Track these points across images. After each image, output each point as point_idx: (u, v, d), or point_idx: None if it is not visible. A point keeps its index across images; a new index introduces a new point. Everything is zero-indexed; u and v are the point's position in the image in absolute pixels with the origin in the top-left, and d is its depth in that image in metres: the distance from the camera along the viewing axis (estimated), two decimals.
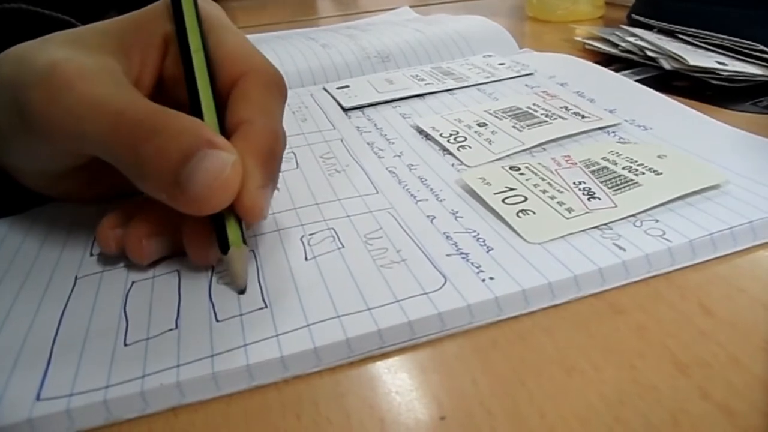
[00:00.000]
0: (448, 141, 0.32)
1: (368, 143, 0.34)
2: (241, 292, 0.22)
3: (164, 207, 0.21)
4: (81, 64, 0.22)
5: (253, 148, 0.22)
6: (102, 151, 0.21)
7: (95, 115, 0.21)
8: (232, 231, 0.22)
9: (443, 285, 0.21)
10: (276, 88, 0.25)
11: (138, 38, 0.25)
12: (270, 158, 0.23)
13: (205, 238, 0.22)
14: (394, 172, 0.30)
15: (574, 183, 0.27)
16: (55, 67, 0.21)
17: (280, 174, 0.30)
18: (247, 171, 0.21)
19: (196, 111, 0.23)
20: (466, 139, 0.33)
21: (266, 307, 0.21)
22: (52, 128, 0.21)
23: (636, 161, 0.28)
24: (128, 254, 0.23)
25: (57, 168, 0.25)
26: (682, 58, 0.40)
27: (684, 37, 0.45)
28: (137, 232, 0.23)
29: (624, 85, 0.39)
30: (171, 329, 0.20)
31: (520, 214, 0.25)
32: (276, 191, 0.25)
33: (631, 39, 0.46)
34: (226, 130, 0.23)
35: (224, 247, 0.21)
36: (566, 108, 0.35)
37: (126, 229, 0.23)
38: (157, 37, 0.25)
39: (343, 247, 0.24)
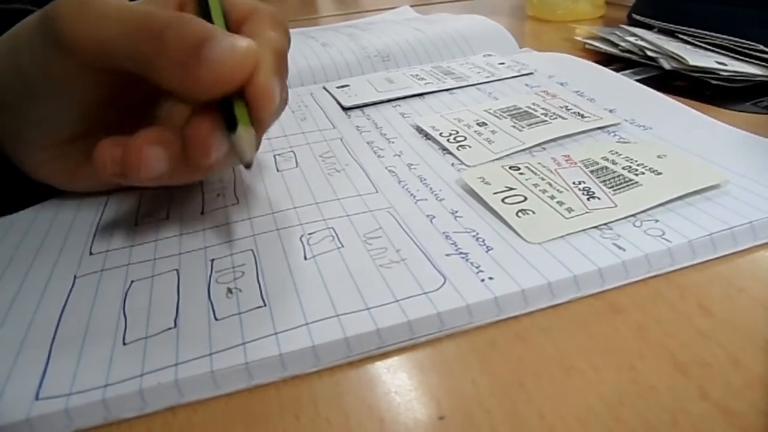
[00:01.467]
0: (448, 140, 0.32)
1: (368, 142, 0.34)
2: (248, 166, 0.23)
3: (166, 127, 0.23)
4: None
5: (264, 44, 0.24)
6: (127, 52, 0.22)
7: (121, 18, 0.22)
8: (240, 111, 0.23)
9: (442, 285, 0.21)
10: (281, 25, 0.27)
11: None
12: (279, 56, 0.25)
13: (207, 130, 0.23)
14: (393, 172, 0.30)
15: (573, 183, 0.27)
16: None
17: (280, 173, 0.31)
18: (260, 59, 0.23)
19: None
20: (465, 138, 0.32)
21: (265, 305, 0.21)
22: (83, 37, 0.22)
23: (636, 161, 0.28)
24: (126, 169, 0.23)
25: (70, 118, 0.26)
26: (682, 58, 0.40)
27: (684, 37, 0.45)
28: (138, 140, 0.23)
29: (624, 84, 0.39)
30: (170, 328, 0.20)
31: (519, 213, 0.25)
32: (278, 190, 0.25)
33: (631, 39, 0.46)
34: None
35: (232, 126, 0.22)
36: (566, 108, 0.35)
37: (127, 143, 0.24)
38: None
39: (343, 246, 0.24)
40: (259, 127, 0.24)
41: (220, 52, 0.21)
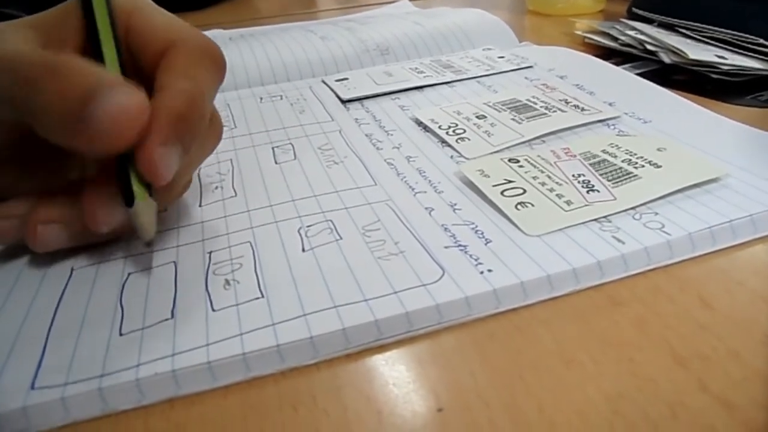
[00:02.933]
0: (447, 133, 0.32)
1: (366, 135, 0.34)
2: (148, 244, 0.22)
3: (69, 195, 0.21)
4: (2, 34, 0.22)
5: (158, 109, 0.21)
6: (12, 104, 0.21)
7: (3, 69, 0.20)
8: (137, 184, 0.21)
9: (441, 277, 0.21)
10: (204, 56, 0.24)
11: (60, 19, 0.24)
12: (177, 121, 0.21)
13: (105, 198, 0.22)
14: (392, 164, 0.30)
15: (573, 175, 0.27)
16: None
17: (278, 166, 0.30)
18: (148, 129, 0.21)
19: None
20: (465, 131, 0.32)
21: (263, 297, 0.21)
22: None
23: (635, 154, 0.28)
24: (24, 239, 0.23)
25: None
26: (682, 51, 0.40)
27: (684, 31, 0.45)
28: (35, 217, 0.23)
29: (624, 78, 0.39)
30: (167, 319, 0.20)
31: (518, 206, 0.25)
32: (277, 182, 0.24)
33: (631, 33, 0.46)
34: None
35: (129, 200, 0.21)
36: (566, 101, 0.35)
37: (24, 216, 0.23)
38: (78, 19, 0.24)
39: (341, 238, 0.24)
40: (161, 199, 0.23)
41: (108, 110, 0.19)
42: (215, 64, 0.24)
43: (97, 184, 0.22)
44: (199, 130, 0.23)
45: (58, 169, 0.23)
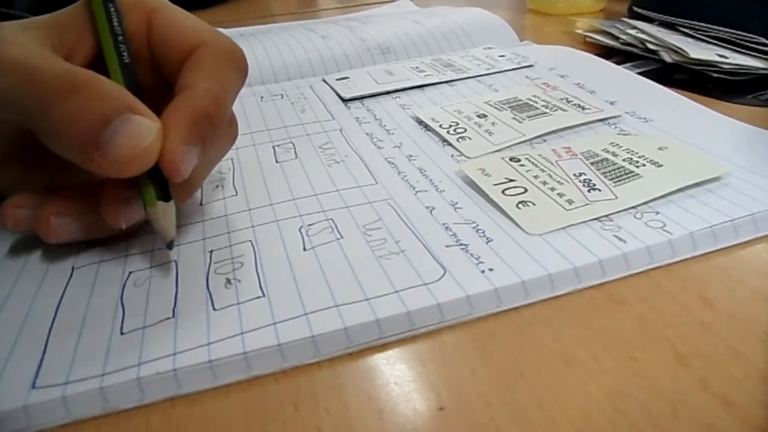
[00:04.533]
0: (448, 132, 0.32)
1: (367, 134, 0.34)
2: (169, 246, 0.22)
3: (80, 189, 0.21)
4: (3, 32, 0.21)
5: (184, 106, 0.22)
6: (20, 110, 0.21)
7: (13, 72, 0.20)
8: (148, 191, 0.21)
9: (442, 276, 0.21)
10: (230, 59, 0.24)
11: (73, 19, 0.24)
12: (201, 120, 0.22)
13: (124, 197, 0.22)
14: (393, 163, 0.30)
15: (574, 174, 0.27)
16: None
17: (279, 165, 0.30)
18: (171, 126, 0.21)
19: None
20: (465, 130, 0.32)
21: (264, 296, 0.21)
22: None
23: (637, 153, 0.28)
24: (36, 230, 0.23)
25: None
26: (683, 50, 0.40)
27: (685, 30, 0.45)
28: (48, 210, 0.23)
29: (625, 77, 0.39)
30: (168, 318, 0.20)
31: (520, 205, 0.25)
32: (277, 181, 0.24)
33: (632, 32, 0.46)
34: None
35: (151, 201, 0.21)
36: (567, 100, 0.35)
37: (37, 207, 0.23)
38: (88, 22, 0.24)
39: (342, 237, 0.24)
40: (180, 196, 0.23)
41: (122, 142, 0.20)
42: (239, 67, 0.25)
43: (117, 182, 0.22)
44: (220, 131, 0.23)
45: (65, 168, 0.23)
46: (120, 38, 0.23)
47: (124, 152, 0.20)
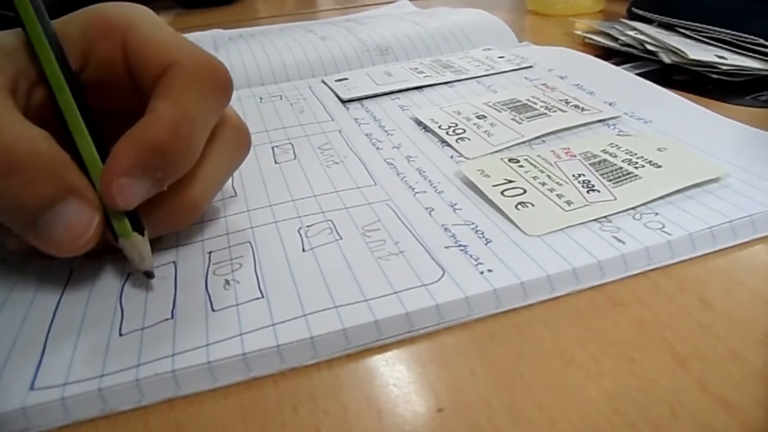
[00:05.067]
0: (447, 133, 0.32)
1: (366, 135, 0.34)
2: (147, 275, 0.22)
3: None
4: None
5: (136, 134, 0.20)
6: None
7: None
8: (118, 223, 0.21)
9: (441, 277, 0.21)
10: (202, 79, 0.22)
11: (20, 53, 0.22)
12: (150, 150, 0.20)
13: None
14: (392, 164, 0.30)
15: (573, 175, 0.27)
16: None
17: (278, 165, 0.30)
18: (116, 155, 0.20)
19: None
20: (465, 131, 0.32)
21: (263, 297, 0.21)
22: None
23: (636, 154, 0.28)
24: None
25: None
26: (682, 51, 0.40)
27: (684, 31, 0.45)
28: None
29: (624, 78, 0.39)
30: (167, 319, 0.20)
31: (519, 206, 0.25)
32: (276, 182, 0.24)
33: (631, 33, 0.46)
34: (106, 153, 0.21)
35: (115, 237, 0.21)
36: (566, 101, 0.35)
37: None
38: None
39: (341, 238, 0.24)
40: (180, 221, 0.23)
41: (58, 231, 0.19)
42: (215, 86, 0.23)
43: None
44: (182, 161, 0.22)
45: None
46: (63, 63, 0.22)
47: (62, 240, 0.20)
